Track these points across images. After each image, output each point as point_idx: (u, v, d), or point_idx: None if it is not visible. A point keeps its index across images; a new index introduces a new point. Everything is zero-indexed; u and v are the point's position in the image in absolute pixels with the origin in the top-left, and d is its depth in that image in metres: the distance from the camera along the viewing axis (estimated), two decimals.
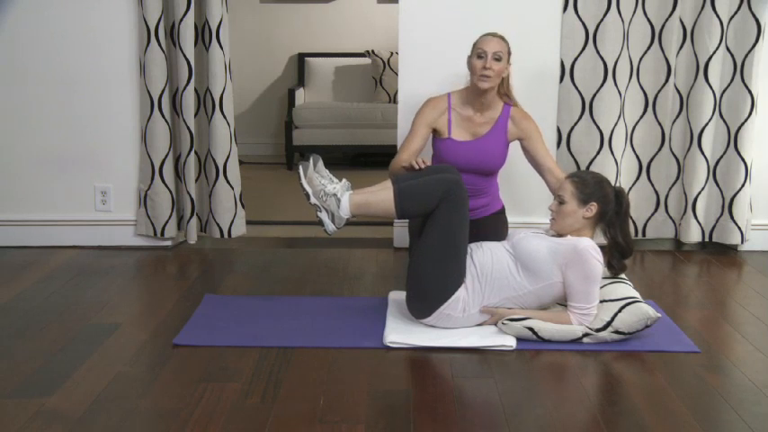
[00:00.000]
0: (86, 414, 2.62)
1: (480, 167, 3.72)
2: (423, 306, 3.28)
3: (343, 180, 3.42)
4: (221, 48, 4.34)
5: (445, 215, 3.24)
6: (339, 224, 3.33)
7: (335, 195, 3.31)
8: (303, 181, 3.33)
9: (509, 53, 3.69)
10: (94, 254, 4.40)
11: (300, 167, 3.35)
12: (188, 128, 4.36)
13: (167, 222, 4.44)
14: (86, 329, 3.34)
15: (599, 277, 3.21)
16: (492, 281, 3.25)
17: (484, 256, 3.29)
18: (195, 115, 4.42)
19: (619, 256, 3.36)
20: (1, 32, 4.35)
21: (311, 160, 3.39)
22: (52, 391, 2.76)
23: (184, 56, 4.28)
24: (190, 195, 4.44)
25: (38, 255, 4.35)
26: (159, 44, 4.26)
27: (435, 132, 3.77)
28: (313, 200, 3.32)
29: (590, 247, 3.19)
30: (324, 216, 3.32)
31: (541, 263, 3.21)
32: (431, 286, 3.24)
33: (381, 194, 3.32)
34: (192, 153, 4.40)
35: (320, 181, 3.33)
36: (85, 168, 4.48)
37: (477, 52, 3.63)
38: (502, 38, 3.68)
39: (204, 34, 4.36)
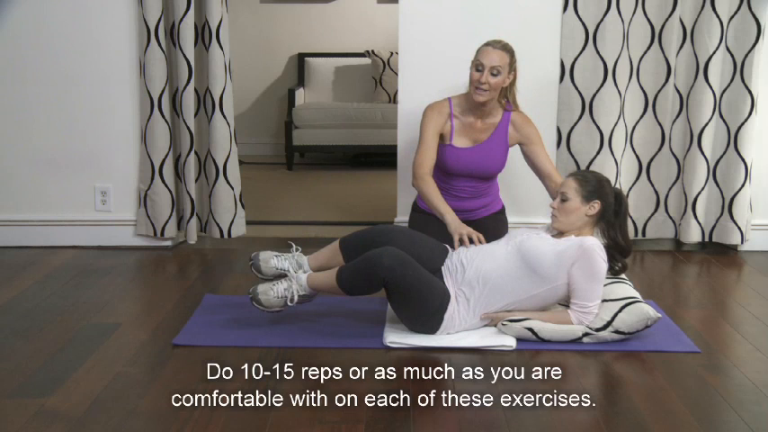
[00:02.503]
0: (86, 414, 2.62)
1: (480, 173, 3.72)
2: (421, 332, 3.26)
3: (292, 253, 3.43)
4: (221, 48, 4.34)
5: (395, 293, 3.16)
6: (314, 298, 3.32)
7: (299, 293, 3.26)
8: (266, 310, 3.28)
9: (511, 64, 3.64)
10: (94, 254, 4.40)
11: (254, 303, 3.27)
12: (188, 128, 4.36)
13: (167, 222, 4.44)
14: (86, 329, 3.34)
15: (603, 276, 3.21)
16: (495, 287, 3.23)
17: (485, 263, 3.26)
18: (195, 115, 4.42)
19: (618, 256, 3.37)
20: (1, 32, 4.35)
21: (253, 268, 3.41)
22: (52, 391, 2.76)
23: (184, 56, 4.28)
24: (190, 195, 4.43)
25: (38, 255, 4.35)
26: (159, 44, 4.26)
27: (441, 137, 3.75)
28: (286, 309, 3.29)
29: (596, 246, 3.19)
30: (303, 303, 3.31)
31: (548, 266, 3.19)
32: (419, 325, 3.23)
33: (330, 281, 3.22)
34: (192, 153, 4.40)
35: (277, 293, 3.27)
36: (85, 168, 4.48)
37: (476, 64, 3.60)
38: (504, 48, 3.62)
39: (204, 34, 4.36)
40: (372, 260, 3.14)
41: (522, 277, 3.22)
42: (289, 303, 3.27)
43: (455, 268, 3.29)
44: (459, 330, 3.25)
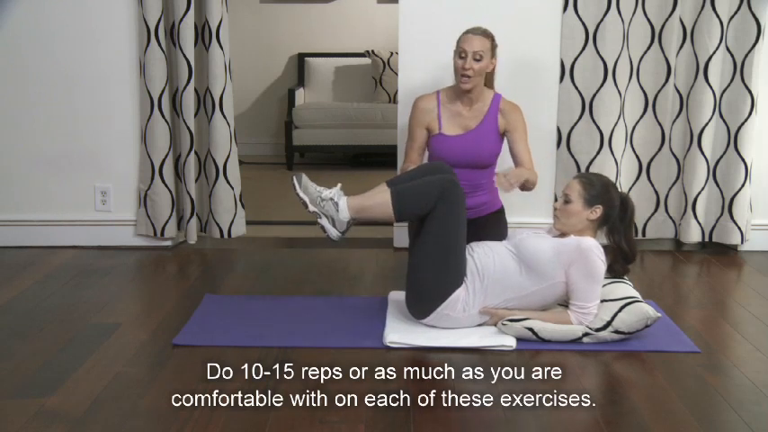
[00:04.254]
0: (86, 414, 2.62)
1: (473, 160, 3.73)
2: (422, 306, 3.28)
3: (337, 186, 3.42)
4: (221, 48, 4.34)
5: (442, 216, 3.24)
6: (341, 228, 3.33)
7: (332, 199, 3.32)
8: (299, 191, 3.32)
9: (493, 49, 3.68)
10: (94, 254, 4.40)
11: (294, 179, 3.34)
12: (188, 128, 4.36)
13: (167, 222, 4.44)
14: (86, 329, 3.34)
15: (601, 277, 3.21)
16: (494, 282, 3.25)
17: (486, 257, 3.29)
18: (195, 115, 4.42)
19: (622, 261, 3.37)
20: (1, 32, 4.35)
21: (296, 177, 3.40)
22: (52, 391, 2.76)
23: (184, 56, 4.28)
24: (190, 195, 4.43)
25: (38, 255, 4.35)
26: (159, 44, 4.26)
27: (427, 130, 3.79)
28: (311, 207, 3.31)
29: (593, 247, 3.19)
30: (324, 222, 3.32)
31: (545, 263, 3.21)
32: (429, 286, 3.25)
33: (378, 198, 3.33)
34: (192, 153, 4.40)
35: (315, 188, 3.34)
36: (85, 168, 4.48)
37: (459, 52, 3.64)
38: (485, 33, 3.67)
39: (204, 34, 4.36)
40: (436, 177, 3.29)
41: (520, 273, 3.24)
42: (321, 198, 3.29)
43: None
44: (459, 325, 3.27)
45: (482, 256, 3.30)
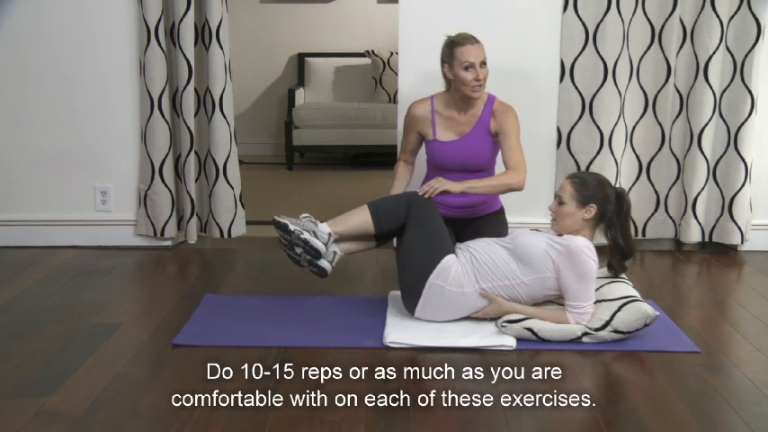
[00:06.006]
0: (86, 414, 2.62)
1: (468, 165, 3.73)
2: (414, 285, 3.32)
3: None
4: (221, 48, 4.34)
5: (416, 213, 3.38)
6: (323, 239, 3.42)
7: (310, 219, 3.47)
8: (279, 219, 3.43)
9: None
10: (94, 254, 4.40)
11: (274, 216, 3.46)
12: (188, 128, 4.36)
13: (167, 222, 4.44)
14: (86, 329, 3.34)
15: (593, 276, 3.22)
16: (485, 266, 3.29)
17: (478, 245, 3.38)
18: (195, 115, 4.43)
19: (619, 257, 3.37)
20: (1, 32, 4.35)
21: (275, 216, 3.52)
22: (52, 391, 2.77)
23: (184, 56, 4.28)
24: (190, 195, 4.44)
25: (38, 255, 4.35)
26: (159, 44, 4.26)
27: (421, 135, 3.81)
28: (292, 227, 3.40)
29: (583, 246, 3.20)
30: (308, 236, 3.39)
31: (536, 257, 3.24)
32: (417, 261, 3.31)
33: (355, 210, 3.51)
34: (192, 153, 4.40)
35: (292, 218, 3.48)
36: (85, 168, 4.48)
37: (464, 65, 3.61)
38: (477, 39, 3.66)
39: (204, 34, 4.36)
40: (404, 192, 3.63)
41: (511, 262, 3.29)
42: (299, 219, 3.43)
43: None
44: (453, 311, 3.32)
45: (475, 244, 3.39)
